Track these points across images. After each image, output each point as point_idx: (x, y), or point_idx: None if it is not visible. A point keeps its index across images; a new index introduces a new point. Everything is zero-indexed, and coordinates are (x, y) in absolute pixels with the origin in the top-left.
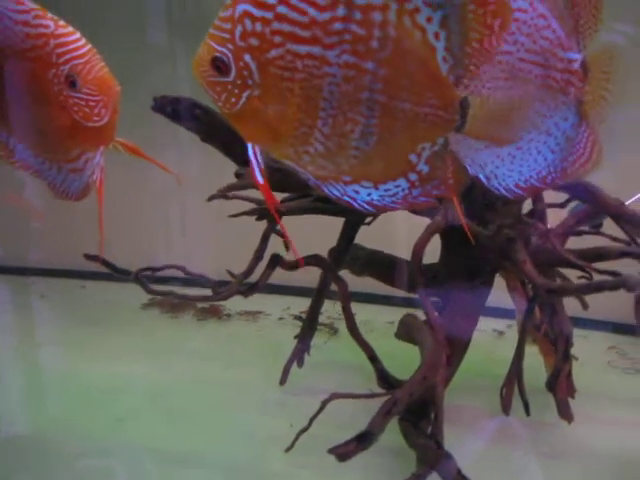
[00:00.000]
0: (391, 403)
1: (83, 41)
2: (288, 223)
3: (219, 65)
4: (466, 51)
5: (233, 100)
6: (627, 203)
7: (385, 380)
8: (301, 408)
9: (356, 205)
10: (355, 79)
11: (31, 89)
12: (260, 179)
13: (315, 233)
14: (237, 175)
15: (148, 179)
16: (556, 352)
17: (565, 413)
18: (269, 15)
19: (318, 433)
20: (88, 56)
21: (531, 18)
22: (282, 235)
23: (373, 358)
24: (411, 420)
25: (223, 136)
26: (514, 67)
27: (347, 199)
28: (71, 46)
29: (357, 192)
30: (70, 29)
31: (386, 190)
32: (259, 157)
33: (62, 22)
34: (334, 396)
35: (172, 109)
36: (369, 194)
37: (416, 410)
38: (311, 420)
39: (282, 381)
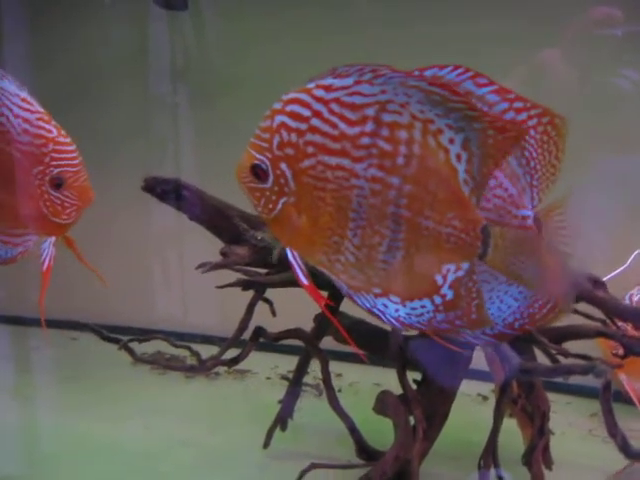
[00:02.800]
0: None
1: (77, 153)
2: (274, 293)
3: (258, 172)
4: (484, 174)
5: (270, 206)
6: (605, 279)
7: (364, 451)
8: (283, 473)
9: (385, 320)
10: (381, 193)
11: (6, 173)
12: (304, 280)
13: (301, 300)
14: (223, 254)
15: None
16: (533, 427)
17: None
18: (303, 126)
19: None
20: (78, 167)
21: None
22: (268, 302)
23: (352, 429)
24: None
25: (211, 216)
26: None
27: (377, 312)
28: (68, 155)
29: (386, 306)
30: (69, 140)
31: (412, 309)
32: (299, 260)
33: (64, 132)
34: (313, 466)
35: (161, 190)
36: (397, 310)
37: None
38: None
39: (265, 444)
